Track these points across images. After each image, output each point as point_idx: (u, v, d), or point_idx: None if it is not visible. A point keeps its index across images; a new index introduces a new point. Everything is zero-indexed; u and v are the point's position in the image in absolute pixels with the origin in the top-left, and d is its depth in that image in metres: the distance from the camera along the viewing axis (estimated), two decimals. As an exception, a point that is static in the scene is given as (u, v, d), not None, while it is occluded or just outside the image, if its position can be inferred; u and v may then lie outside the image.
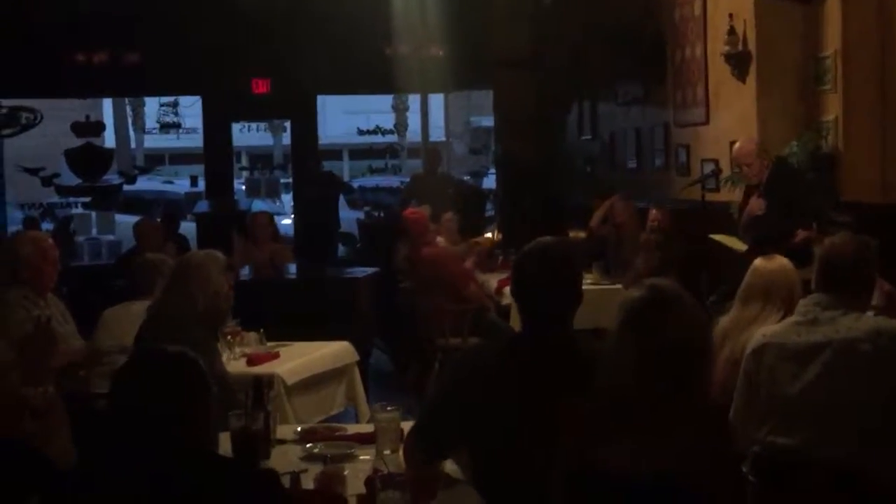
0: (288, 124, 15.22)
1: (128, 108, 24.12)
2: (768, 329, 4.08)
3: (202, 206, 14.20)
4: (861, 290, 3.92)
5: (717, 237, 7.58)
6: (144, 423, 2.60)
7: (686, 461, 2.61)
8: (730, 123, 8.79)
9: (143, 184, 17.86)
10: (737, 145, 7.73)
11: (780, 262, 4.71)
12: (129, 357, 2.88)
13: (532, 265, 3.37)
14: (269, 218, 9.98)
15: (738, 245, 7.36)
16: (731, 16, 8.53)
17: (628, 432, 2.62)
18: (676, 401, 2.64)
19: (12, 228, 13.24)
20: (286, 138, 17.62)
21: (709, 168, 9.00)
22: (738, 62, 8.53)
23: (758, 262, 4.74)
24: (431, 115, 17.63)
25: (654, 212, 9.04)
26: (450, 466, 3.46)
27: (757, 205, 7.44)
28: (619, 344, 2.73)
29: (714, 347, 4.70)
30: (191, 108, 16.62)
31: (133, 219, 11.03)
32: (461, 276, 8.50)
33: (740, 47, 8.47)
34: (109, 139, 21.15)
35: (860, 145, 7.51)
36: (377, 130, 16.59)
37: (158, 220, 11.21)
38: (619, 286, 8.50)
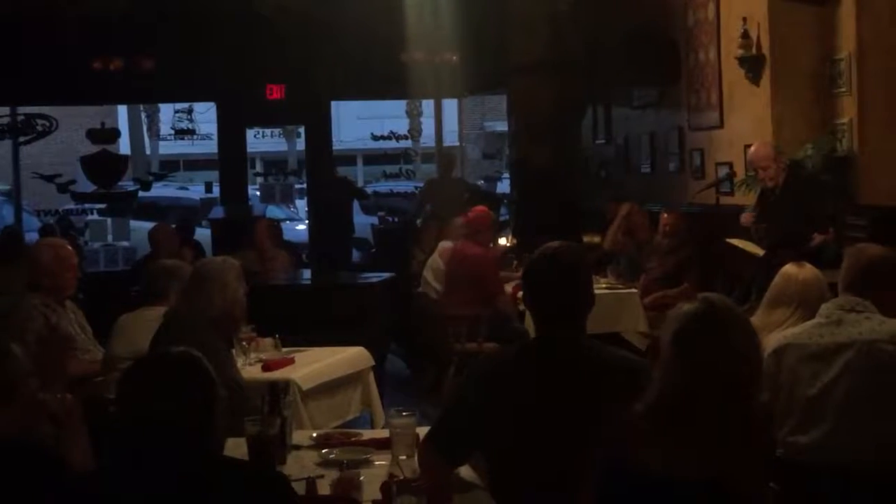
0: (302, 130, 15.25)
1: (143, 115, 24.18)
2: (789, 331, 4.10)
3: (217, 211, 14.23)
4: (886, 295, 3.93)
5: (734, 241, 7.57)
6: (149, 425, 2.61)
7: (736, 468, 2.61)
8: (744, 127, 8.77)
9: (158, 190, 17.89)
10: (752, 149, 7.71)
11: (813, 271, 4.70)
12: (134, 361, 2.89)
13: (542, 269, 3.38)
14: (269, 224, 10.01)
15: (754, 249, 7.34)
16: (744, 19, 8.53)
17: (675, 438, 2.63)
18: (726, 411, 2.64)
19: (29, 235, 13.30)
20: (300, 144, 17.66)
21: (723, 171, 8.99)
22: (752, 65, 8.52)
23: (790, 268, 4.73)
24: (445, 120, 17.61)
25: (664, 216, 9.03)
26: (465, 471, 3.46)
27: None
28: (667, 356, 2.74)
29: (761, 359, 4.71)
30: (205, 115, 16.66)
31: (148, 225, 11.05)
32: (498, 284, 8.46)
33: (754, 50, 8.46)
34: (124, 146, 21.23)
35: (875, 148, 7.50)
36: (391, 136, 16.58)
37: (173, 226, 11.23)
38: (634, 290, 8.50)
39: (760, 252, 7.21)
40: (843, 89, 7.82)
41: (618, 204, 10.01)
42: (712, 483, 2.60)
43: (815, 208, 7.32)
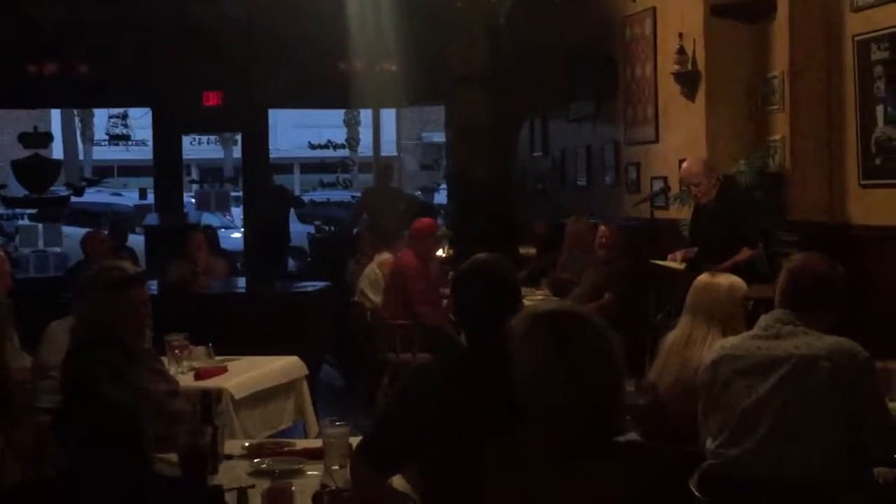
0: (239, 137, 15.16)
1: (77, 120, 23.92)
2: (727, 341, 4.10)
3: (151, 218, 14.09)
4: (825, 309, 3.94)
5: (658, 261, 7.65)
6: (85, 447, 2.56)
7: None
8: (679, 142, 8.87)
9: (92, 196, 17.69)
10: (684, 165, 7.79)
11: (727, 280, 4.76)
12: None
13: (469, 281, 3.39)
14: (203, 235, 9.97)
15: (676, 265, 7.43)
16: (680, 35, 8.62)
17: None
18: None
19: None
20: (237, 151, 17.55)
21: (658, 186, 9.07)
22: (688, 81, 8.62)
23: (702, 278, 4.79)
24: (383, 130, 17.61)
25: (602, 228, 9.09)
26: (398, 481, 3.45)
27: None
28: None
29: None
30: (141, 120, 16.52)
31: (81, 231, 10.92)
32: (417, 294, 8.47)
33: (690, 66, 8.56)
34: (57, 150, 20.94)
35: (807, 165, 7.61)
36: (329, 145, 16.57)
37: (107, 232, 11.11)
38: (568, 302, 8.54)
39: (681, 267, 7.30)
40: (776, 106, 7.93)
41: (543, 225, 10.10)
42: None
43: (746, 224, 7.41)
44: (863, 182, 7.15)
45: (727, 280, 4.76)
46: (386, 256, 9.30)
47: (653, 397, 4.63)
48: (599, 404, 2.67)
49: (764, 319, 3.98)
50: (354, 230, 12.51)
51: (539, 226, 10.94)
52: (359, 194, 14.59)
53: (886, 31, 6.85)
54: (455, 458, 3.13)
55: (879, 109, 6.95)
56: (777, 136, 7.91)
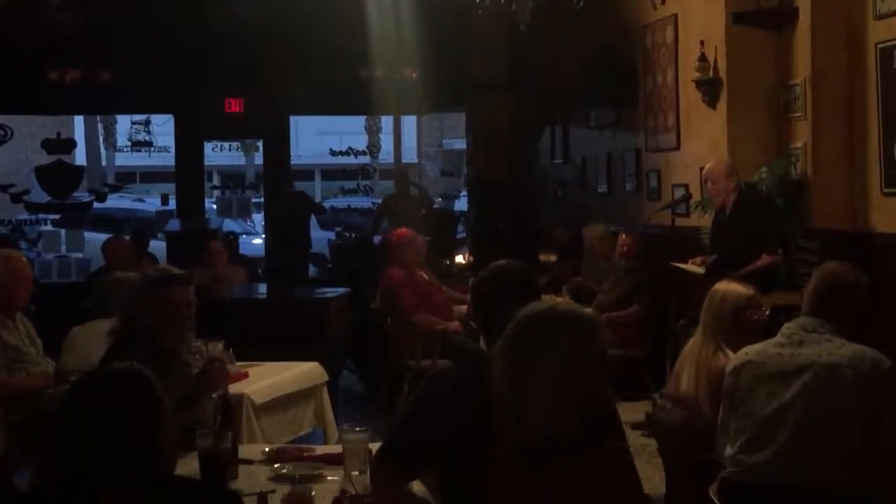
0: (260, 144, 15.19)
1: (99, 126, 23.99)
2: (751, 347, 4.09)
3: (173, 224, 14.14)
4: (849, 318, 3.94)
5: (678, 264, 7.64)
6: (92, 445, 2.55)
7: None
8: (700, 149, 8.85)
9: (114, 202, 17.73)
10: (708, 164, 7.79)
11: (727, 287, 4.73)
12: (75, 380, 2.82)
13: (489, 286, 3.39)
14: (221, 243, 10.01)
15: (696, 269, 7.42)
16: (702, 42, 8.61)
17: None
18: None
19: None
20: (258, 158, 17.56)
21: (679, 193, 9.06)
22: (709, 88, 8.60)
23: (718, 286, 4.78)
24: (404, 137, 17.64)
25: (623, 237, 9.08)
26: (417, 487, 3.46)
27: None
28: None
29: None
30: (163, 127, 16.57)
31: (103, 237, 10.97)
32: (408, 307, 8.47)
33: (711, 74, 8.54)
34: (80, 156, 21.03)
35: (828, 172, 7.58)
36: (350, 152, 16.56)
37: (128, 238, 11.15)
38: (589, 310, 8.52)
39: (701, 271, 7.29)
40: (798, 114, 7.91)
41: (565, 230, 10.08)
42: None
43: (765, 230, 7.39)
44: (885, 190, 7.12)
45: (724, 287, 4.73)
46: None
47: (686, 413, 4.55)
48: (589, 404, 2.69)
49: (788, 327, 3.96)
50: (375, 237, 12.53)
51: (559, 233, 10.94)
52: (379, 201, 14.60)
53: (909, 39, 6.83)
54: (471, 465, 3.13)
55: (902, 117, 6.92)
56: (799, 144, 7.88)
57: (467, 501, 3.18)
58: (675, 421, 4.53)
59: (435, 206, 15.27)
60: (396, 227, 11.89)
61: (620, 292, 8.87)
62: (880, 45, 7.09)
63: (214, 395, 4.01)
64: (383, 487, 3.26)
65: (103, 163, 25.96)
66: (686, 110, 9.16)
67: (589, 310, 8.26)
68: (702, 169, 8.04)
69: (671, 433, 4.54)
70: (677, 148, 9.40)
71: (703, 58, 8.57)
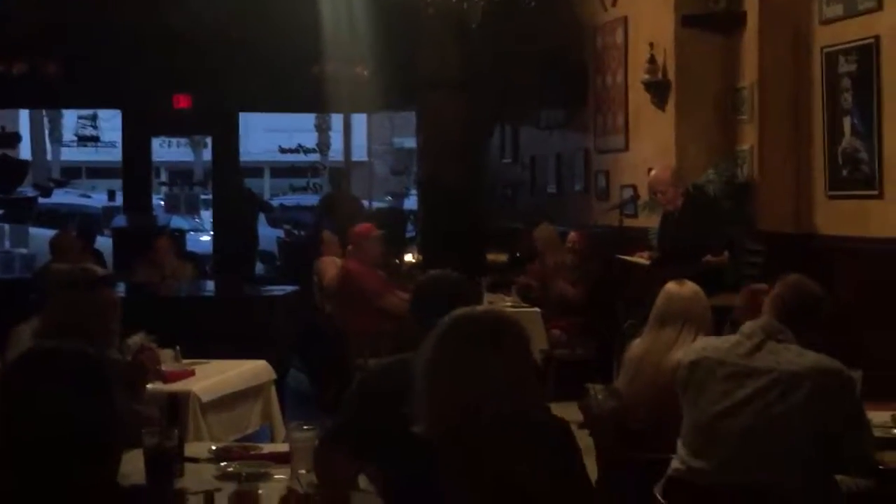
0: (209, 140, 15.12)
1: (45, 120, 23.75)
2: (708, 342, 4.08)
3: (119, 220, 14.02)
4: (811, 328, 3.95)
5: (624, 256, 7.73)
6: (37, 444, 2.39)
7: None
8: (648, 150, 8.92)
9: (60, 197, 17.60)
10: (652, 173, 7.85)
11: (693, 287, 4.79)
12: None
13: (424, 293, 3.55)
14: (169, 239, 9.93)
15: (641, 261, 7.49)
16: (651, 45, 8.68)
17: None
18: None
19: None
20: (207, 154, 17.49)
21: (627, 194, 9.12)
22: (658, 90, 8.67)
23: (671, 286, 4.81)
24: (354, 135, 17.60)
25: (572, 234, 9.14)
26: (361, 481, 3.45)
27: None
28: None
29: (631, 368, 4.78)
30: (110, 122, 16.43)
31: (48, 232, 10.86)
32: (373, 292, 8.43)
33: (660, 76, 8.61)
34: (25, 151, 20.81)
35: (774, 175, 7.66)
36: (299, 149, 16.55)
37: (74, 234, 11.04)
38: (536, 309, 8.57)
39: (646, 262, 7.37)
40: (745, 117, 8.00)
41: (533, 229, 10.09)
42: None
43: (712, 232, 7.46)
44: (829, 193, 7.21)
45: (693, 285, 4.79)
46: (325, 261, 9.30)
47: (619, 403, 4.64)
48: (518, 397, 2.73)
49: (749, 326, 3.96)
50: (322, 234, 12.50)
51: (525, 234, 10.82)
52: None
53: (854, 44, 6.92)
54: (406, 459, 3.14)
55: (846, 121, 7.01)
56: (745, 146, 7.97)
57: (403, 496, 3.19)
58: (607, 409, 4.59)
59: (384, 204, 15.30)
60: (335, 226, 11.90)
61: (564, 290, 8.95)
62: (826, 50, 7.19)
63: (150, 385, 3.97)
64: (329, 475, 3.26)
65: (49, 157, 25.68)
66: (635, 112, 9.23)
67: (536, 309, 8.30)
68: (650, 170, 8.10)
69: (600, 421, 4.60)
70: (626, 149, 9.46)
71: (652, 60, 8.64)
